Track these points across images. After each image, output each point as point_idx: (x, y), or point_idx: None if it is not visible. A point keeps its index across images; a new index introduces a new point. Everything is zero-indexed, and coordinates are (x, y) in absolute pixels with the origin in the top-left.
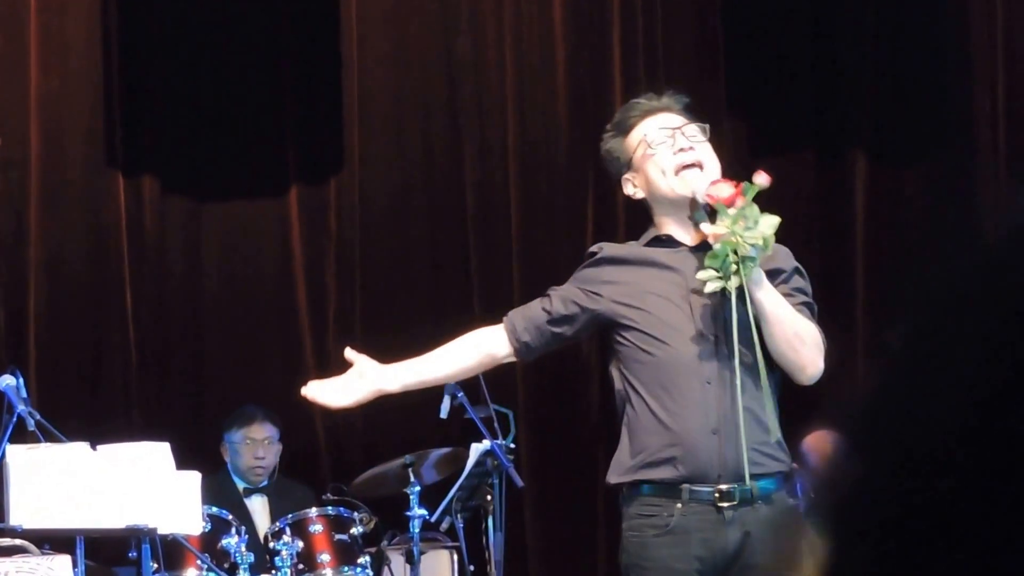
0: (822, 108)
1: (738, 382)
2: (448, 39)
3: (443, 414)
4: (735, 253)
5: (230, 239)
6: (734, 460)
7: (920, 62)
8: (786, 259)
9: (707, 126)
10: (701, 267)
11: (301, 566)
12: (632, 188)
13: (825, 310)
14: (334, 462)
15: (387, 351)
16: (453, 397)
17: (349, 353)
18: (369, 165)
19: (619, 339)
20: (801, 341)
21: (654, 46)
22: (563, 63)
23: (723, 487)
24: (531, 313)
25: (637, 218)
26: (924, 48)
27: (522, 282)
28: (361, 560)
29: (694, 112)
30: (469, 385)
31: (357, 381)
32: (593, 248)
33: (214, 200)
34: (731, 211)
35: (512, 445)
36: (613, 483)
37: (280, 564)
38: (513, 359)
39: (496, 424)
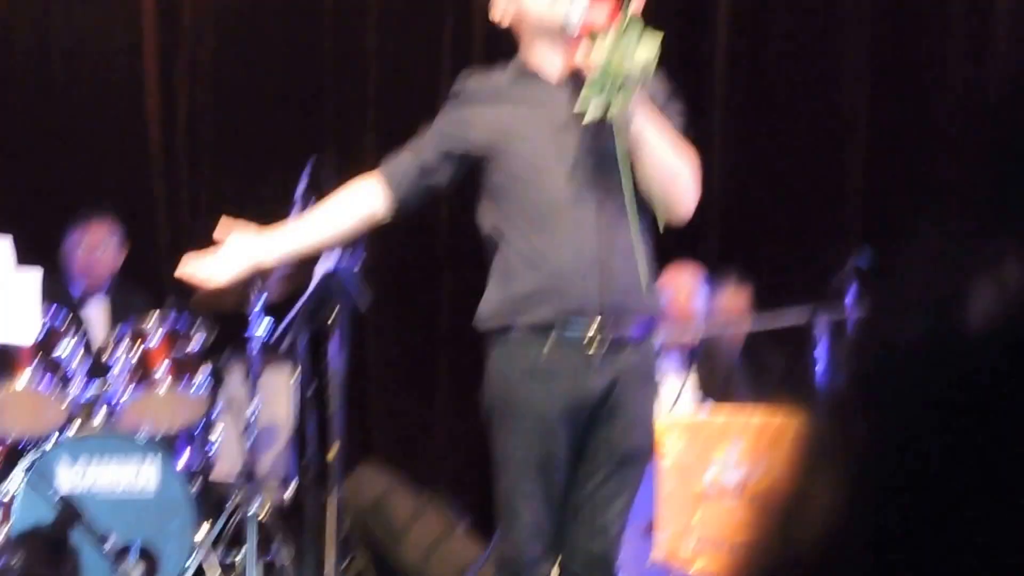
0: None
1: (608, 219)
2: None
3: None
4: (614, 80)
5: (78, 24)
6: (610, 298)
7: None
8: (661, 85)
9: None
10: (571, 101)
11: (136, 379)
12: (501, 10)
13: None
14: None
15: (234, 152)
16: (304, 207)
17: (222, 229)
18: None
19: (488, 180)
20: (677, 173)
21: None
22: None
23: (592, 333)
24: (405, 168)
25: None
26: None
27: (378, 92)
28: (199, 376)
29: None
30: (320, 196)
31: (232, 255)
32: (457, 85)
33: None
34: (609, 36)
35: (357, 266)
36: (483, 329)
37: (113, 377)
38: (389, 220)
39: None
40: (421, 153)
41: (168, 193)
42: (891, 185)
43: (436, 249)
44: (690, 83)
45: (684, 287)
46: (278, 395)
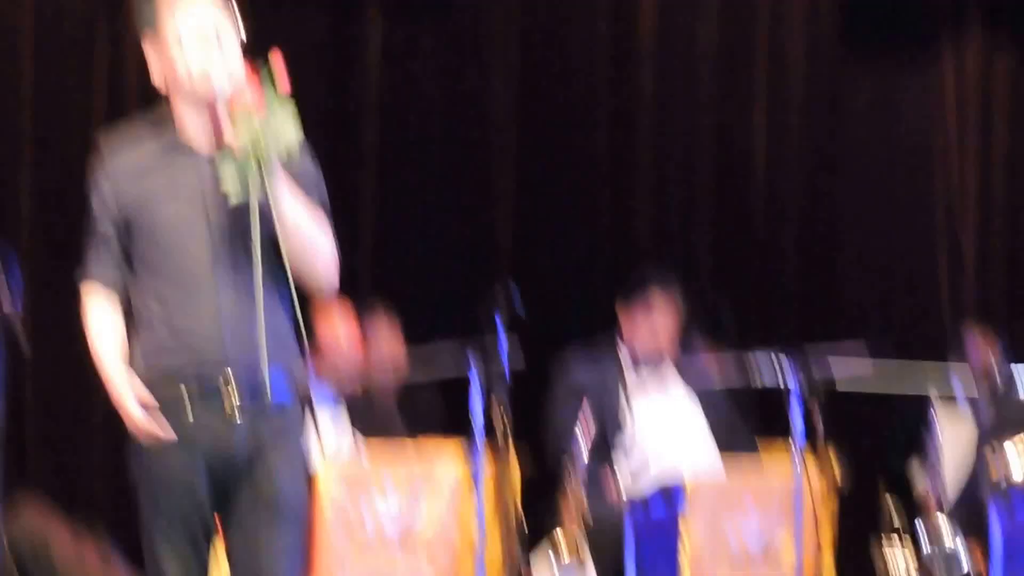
0: None
1: (246, 286)
2: None
3: None
4: (257, 162)
5: None
6: (241, 358)
7: None
8: (303, 161)
9: (242, 40)
10: (215, 176)
11: None
12: (151, 53)
13: (332, 177)
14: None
15: None
16: None
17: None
18: None
19: (132, 247)
20: (317, 252)
21: None
22: None
23: (235, 395)
24: (111, 255)
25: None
26: None
27: (34, 126)
28: None
29: (230, 3)
30: None
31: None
32: (102, 150)
33: None
34: (251, 117)
35: (19, 312)
36: None
37: None
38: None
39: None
40: (99, 239)
41: None
42: (536, 226)
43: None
44: (337, 136)
45: (334, 324)
46: None
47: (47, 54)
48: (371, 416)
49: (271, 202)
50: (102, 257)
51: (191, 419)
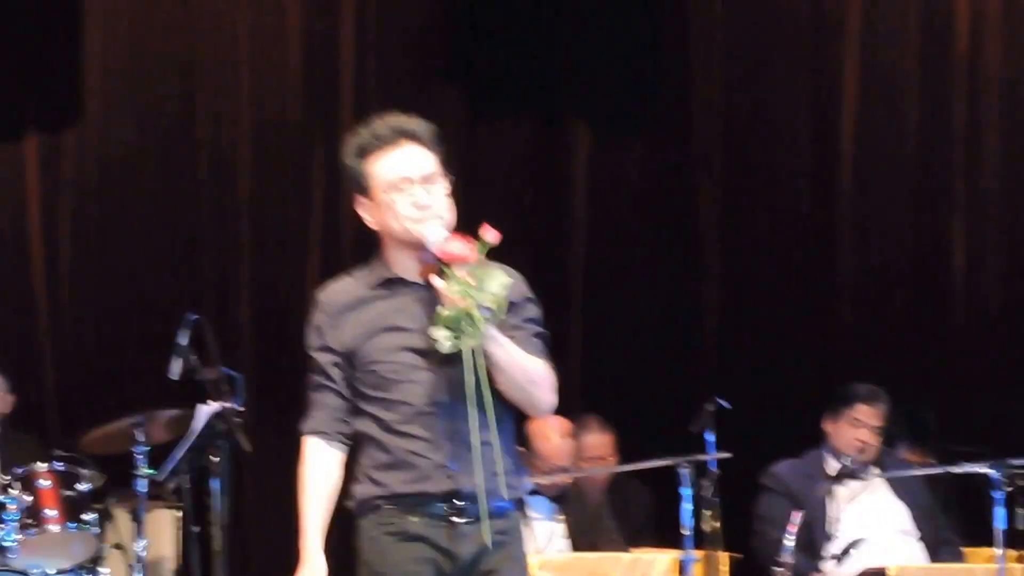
0: (545, 76)
1: (473, 422)
2: None
3: (173, 375)
4: (468, 316)
5: None
6: (469, 491)
7: (641, 42)
8: (516, 289)
9: (450, 178)
10: (431, 306)
11: (28, 520)
12: (366, 214)
13: (540, 285)
14: (63, 417)
15: (113, 300)
16: (184, 358)
17: None
18: (107, 117)
19: (359, 381)
20: (532, 383)
21: (384, 9)
22: (296, 25)
23: (459, 504)
24: (333, 408)
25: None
26: (645, 30)
27: (251, 239)
28: (87, 517)
29: (440, 141)
30: (200, 347)
31: None
32: (320, 299)
33: None
34: (462, 271)
35: (240, 408)
36: (355, 512)
37: (7, 518)
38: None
39: (224, 386)
40: (327, 379)
41: (53, 342)
42: (742, 336)
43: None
44: (545, 249)
45: (550, 434)
46: (163, 533)
47: (264, 173)
48: (583, 520)
49: (479, 352)
50: (322, 410)
51: (417, 523)
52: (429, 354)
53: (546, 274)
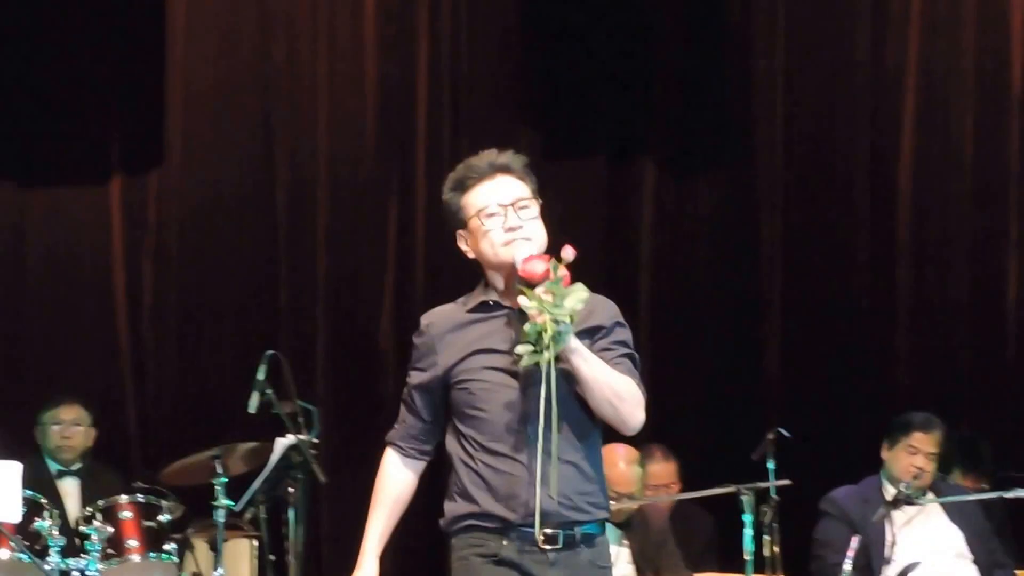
0: (614, 115)
1: (554, 439)
2: (265, 43)
3: (251, 409)
4: (545, 330)
5: (52, 225)
6: (555, 511)
7: (710, 75)
8: (606, 314)
9: (539, 202)
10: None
11: (110, 550)
12: (465, 246)
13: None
14: (145, 450)
15: (193, 336)
16: (262, 393)
17: None
18: (189, 160)
19: (452, 399)
20: (620, 398)
21: (459, 54)
22: (373, 69)
23: (548, 531)
24: (410, 426)
25: (435, 220)
26: (711, 62)
27: (327, 277)
28: (168, 547)
29: (531, 169)
30: (277, 381)
31: None
32: (422, 322)
33: (38, 186)
34: (540, 289)
35: (315, 440)
36: (444, 531)
37: (90, 548)
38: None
39: (301, 419)
40: (414, 402)
41: (135, 380)
42: (803, 366)
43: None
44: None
45: (617, 461)
46: (241, 562)
47: (340, 211)
48: (647, 547)
49: (565, 359)
50: (402, 426)
51: (506, 547)
52: (518, 373)
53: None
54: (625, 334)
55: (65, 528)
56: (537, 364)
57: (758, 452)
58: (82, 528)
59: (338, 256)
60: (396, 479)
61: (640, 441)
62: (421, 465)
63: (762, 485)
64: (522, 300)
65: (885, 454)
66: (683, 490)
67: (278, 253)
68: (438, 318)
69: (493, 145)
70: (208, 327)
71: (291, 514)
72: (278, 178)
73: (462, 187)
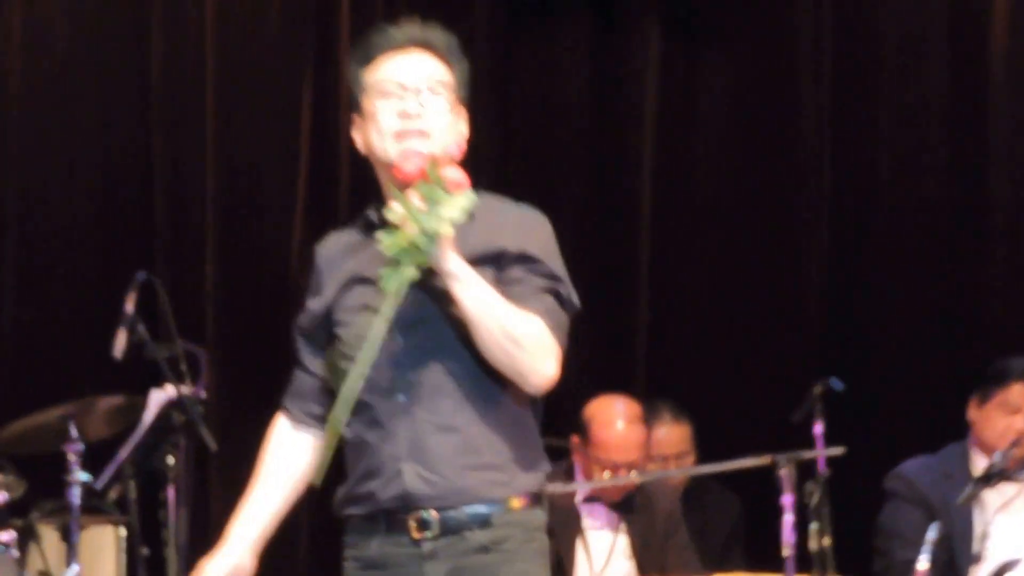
0: None
1: (425, 393)
2: None
3: (116, 352)
4: (412, 246)
5: None
6: (422, 491)
7: None
8: (520, 233)
9: (457, 97)
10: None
11: None
12: (357, 136)
13: (599, 234)
14: None
15: (38, 256)
16: (130, 330)
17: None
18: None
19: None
20: (515, 343)
21: None
22: None
23: (422, 515)
24: (299, 382)
25: None
26: None
27: (219, 173)
28: (4, 536)
29: (455, 55)
30: (151, 315)
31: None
32: (315, 247)
33: None
34: (408, 193)
35: (203, 394)
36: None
37: None
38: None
39: (184, 366)
40: (298, 367)
41: None
42: (859, 298)
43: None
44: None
45: (613, 419)
46: (103, 556)
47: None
48: (652, 534)
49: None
50: (295, 387)
51: (376, 552)
52: (397, 319)
53: (605, 221)
54: (549, 261)
55: None
56: (394, 288)
57: (800, 412)
58: None
59: (235, 146)
60: (281, 451)
61: (640, 399)
62: (310, 434)
63: (806, 455)
64: (393, 208)
65: (973, 414)
66: (699, 462)
67: (151, 138)
68: (331, 241)
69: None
70: (59, 238)
71: (170, 493)
72: (153, 29)
73: (366, 59)
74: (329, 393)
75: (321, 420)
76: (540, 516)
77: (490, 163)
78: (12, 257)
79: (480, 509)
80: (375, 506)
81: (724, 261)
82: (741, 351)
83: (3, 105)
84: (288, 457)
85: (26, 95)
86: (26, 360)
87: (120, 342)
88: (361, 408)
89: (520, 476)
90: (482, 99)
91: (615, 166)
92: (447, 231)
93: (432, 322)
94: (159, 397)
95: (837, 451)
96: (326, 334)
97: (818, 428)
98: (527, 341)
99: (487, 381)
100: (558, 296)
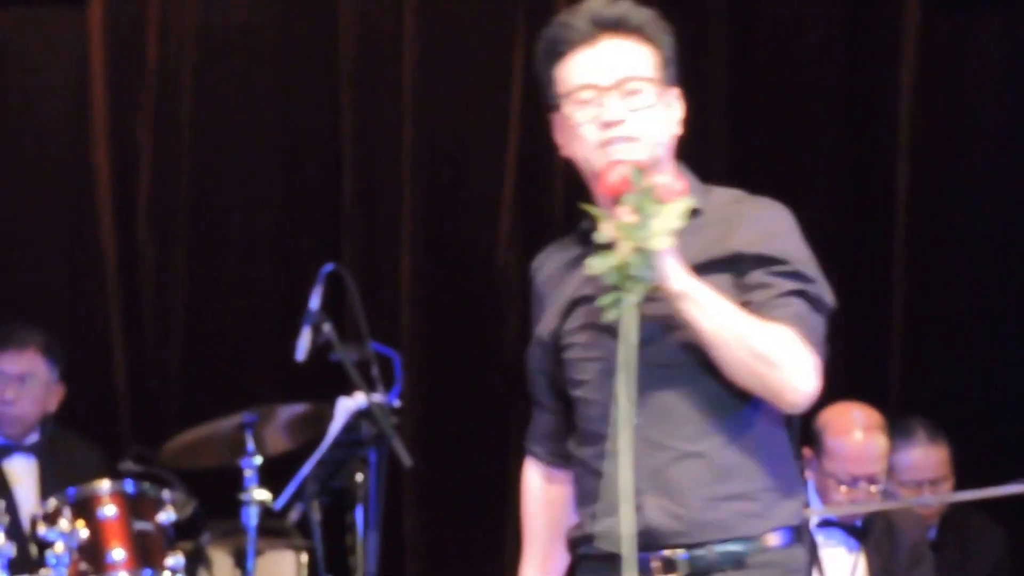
0: None
1: (664, 417)
2: None
3: (300, 355)
4: (625, 267)
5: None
6: (665, 526)
7: None
8: (755, 230)
9: (665, 83)
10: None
11: (84, 565)
12: (559, 138)
13: (845, 228)
14: (140, 415)
15: (223, 246)
16: (316, 330)
17: None
18: None
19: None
20: (767, 362)
21: None
22: None
23: (666, 555)
24: (540, 421)
25: None
26: None
27: (415, 149)
28: (170, 560)
29: (655, 30)
30: (338, 313)
31: None
32: (532, 264)
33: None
34: (618, 208)
35: (397, 403)
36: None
37: (53, 561)
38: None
39: (376, 372)
40: (534, 399)
41: (124, 307)
42: None
43: (503, 377)
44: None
45: (851, 427)
46: None
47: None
48: (894, 564)
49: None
50: (538, 428)
51: None
52: (612, 331)
53: (854, 212)
54: (796, 258)
55: (15, 530)
56: (651, 320)
57: None
58: (41, 531)
59: (435, 126)
60: (540, 499)
61: (892, 415)
62: (565, 475)
63: None
64: (602, 229)
65: None
66: (958, 488)
67: (340, 118)
68: (549, 258)
69: None
70: (235, 228)
71: (358, 514)
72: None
73: (553, 53)
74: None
75: (571, 459)
76: (800, 556)
77: (721, 143)
78: (186, 246)
79: (733, 547)
80: (612, 545)
81: (994, 257)
82: (1010, 361)
83: (177, 87)
84: (550, 506)
85: (201, 72)
86: (200, 363)
87: (304, 343)
88: (591, 438)
89: (777, 507)
90: (717, 72)
91: (866, 146)
92: (664, 245)
93: (664, 338)
94: (347, 406)
95: None
96: (555, 362)
97: None
98: (778, 356)
99: (734, 400)
100: (808, 298)
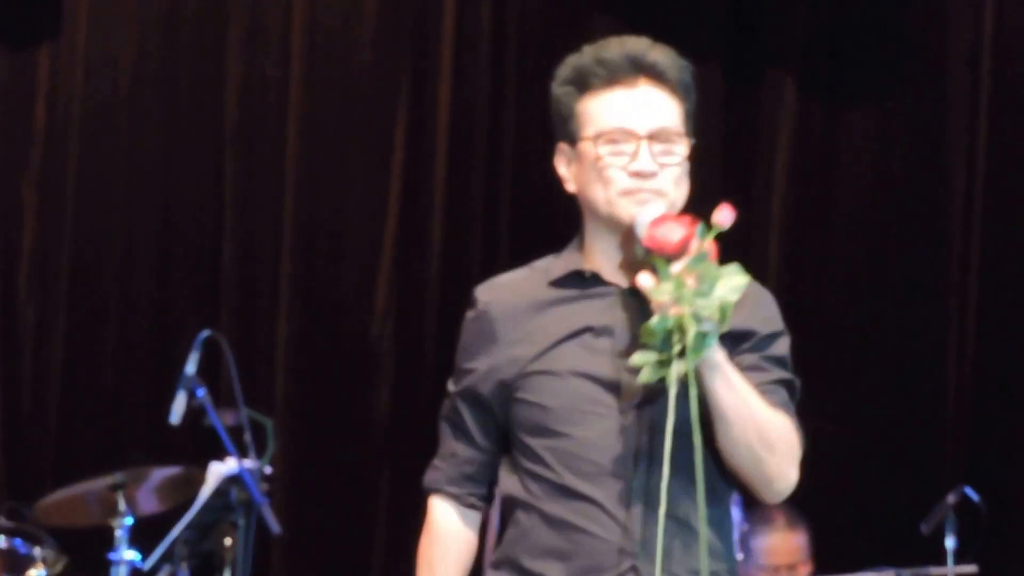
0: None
1: (664, 492)
2: None
3: (174, 418)
4: (681, 331)
5: None
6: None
7: None
8: (760, 312)
9: (691, 141)
10: (635, 316)
11: None
12: (565, 171)
13: None
14: (14, 472)
15: (102, 307)
16: (191, 394)
17: None
18: (96, 33)
19: (516, 415)
20: (768, 447)
21: None
22: None
23: None
24: (462, 460)
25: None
26: None
27: (296, 222)
28: None
29: (688, 86)
30: (213, 377)
31: None
32: (478, 298)
33: None
34: (676, 267)
35: (268, 469)
36: None
37: None
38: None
39: (248, 437)
40: (451, 432)
41: (1, 364)
42: (1007, 396)
43: (375, 444)
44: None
45: (777, 525)
46: None
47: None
48: None
49: (700, 379)
50: (447, 461)
51: None
52: (619, 387)
53: None
54: (784, 347)
55: None
56: (661, 380)
57: (931, 522)
58: None
59: (315, 191)
60: (456, 543)
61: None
62: (479, 518)
63: (936, 572)
64: (645, 281)
65: None
66: (816, 575)
67: (222, 185)
68: (502, 292)
69: (550, 33)
70: (114, 290)
71: None
72: (228, 69)
73: (583, 85)
74: (494, 467)
75: (485, 502)
76: None
77: None
78: (63, 307)
79: None
80: None
81: (855, 344)
82: (867, 450)
83: (61, 139)
84: (463, 553)
85: (85, 127)
86: (75, 422)
87: (179, 407)
88: (569, 493)
89: None
90: None
91: (741, 222)
92: (726, 320)
93: (666, 401)
94: (219, 470)
95: (970, 570)
96: (504, 402)
97: (949, 542)
98: (779, 444)
99: (720, 479)
100: (792, 388)
